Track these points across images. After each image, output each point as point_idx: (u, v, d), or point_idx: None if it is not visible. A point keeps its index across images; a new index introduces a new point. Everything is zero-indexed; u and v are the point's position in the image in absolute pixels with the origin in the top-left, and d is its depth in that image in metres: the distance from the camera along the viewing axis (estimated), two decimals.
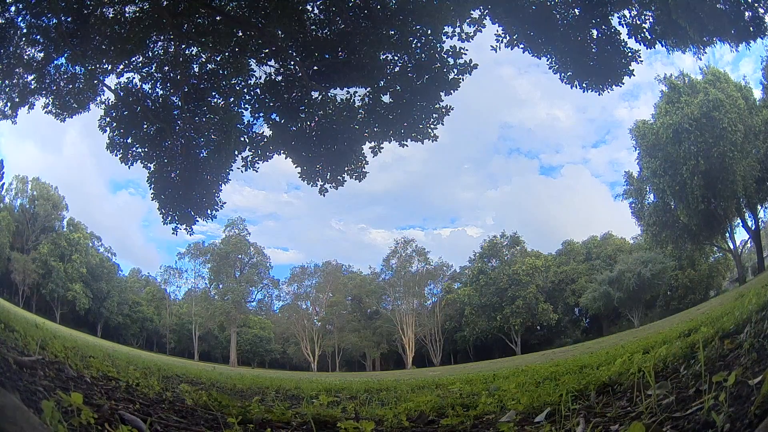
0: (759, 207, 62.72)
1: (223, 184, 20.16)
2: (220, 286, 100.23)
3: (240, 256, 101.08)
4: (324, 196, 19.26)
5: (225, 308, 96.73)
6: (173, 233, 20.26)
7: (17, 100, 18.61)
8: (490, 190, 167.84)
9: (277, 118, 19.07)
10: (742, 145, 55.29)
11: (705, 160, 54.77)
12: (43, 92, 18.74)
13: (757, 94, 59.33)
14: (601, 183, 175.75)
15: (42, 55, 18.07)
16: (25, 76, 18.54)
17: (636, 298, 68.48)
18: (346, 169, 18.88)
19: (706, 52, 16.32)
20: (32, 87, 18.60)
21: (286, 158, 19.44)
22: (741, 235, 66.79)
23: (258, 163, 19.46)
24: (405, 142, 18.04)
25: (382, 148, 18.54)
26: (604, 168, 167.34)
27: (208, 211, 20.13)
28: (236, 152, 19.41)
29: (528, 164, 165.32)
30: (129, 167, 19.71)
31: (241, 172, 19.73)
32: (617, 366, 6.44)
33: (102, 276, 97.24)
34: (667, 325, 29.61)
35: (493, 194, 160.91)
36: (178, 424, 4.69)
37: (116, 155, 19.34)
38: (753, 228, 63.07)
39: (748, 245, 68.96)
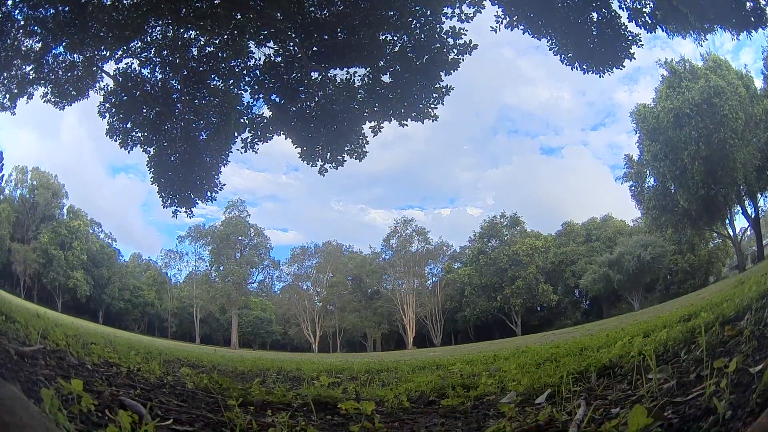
0: (759, 196, 62.73)
1: (222, 166, 20.35)
2: (221, 268, 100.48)
3: (240, 238, 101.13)
4: (324, 175, 19.37)
5: (226, 290, 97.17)
6: (173, 216, 20.52)
7: (15, 91, 18.69)
8: (490, 169, 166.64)
9: (277, 99, 19.11)
10: (742, 133, 55.12)
11: (706, 146, 54.58)
12: (42, 82, 18.74)
13: (758, 84, 58.99)
14: (602, 165, 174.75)
15: (40, 45, 18.04)
16: (24, 67, 18.53)
17: (636, 281, 68.55)
18: (346, 148, 18.95)
19: (707, 39, 16.25)
20: (30, 77, 18.62)
21: (285, 139, 19.52)
22: (741, 222, 66.81)
23: (258, 144, 19.57)
24: (405, 122, 18.10)
25: (382, 127, 18.54)
26: (604, 151, 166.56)
27: (208, 193, 20.22)
28: (236, 134, 19.50)
29: (529, 144, 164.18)
30: (129, 152, 20.13)
31: (241, 153, 20.78)
32: (617, 349, 6.40)
33: (103, 262, 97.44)
34: (666, 309, 29.68)
35: (494, 174, 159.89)
36: (178, 408, 4.70)
37: (116, 140, 19.50)
38: (753, 216, 63.21)
39: (748, 233, 69.24)
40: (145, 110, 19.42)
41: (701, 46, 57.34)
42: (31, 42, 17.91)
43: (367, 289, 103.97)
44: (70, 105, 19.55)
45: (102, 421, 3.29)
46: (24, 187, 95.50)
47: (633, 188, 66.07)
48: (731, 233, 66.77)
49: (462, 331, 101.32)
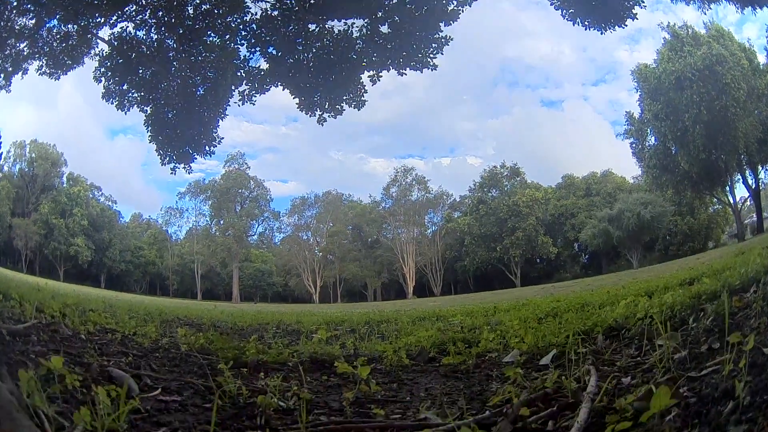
0: (760, 168, 63.10)
1: (220, 120, 20.31)
2: (221, 222, 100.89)
3: (240, 191, 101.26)
4: (323, 125, 19.64)
5: (226, 244, 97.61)
6: (172, 173, 20.81)
7: (10, 69, 18.53)
8: (490, 120, 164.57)
9: (274, 52, 19.00)
10: (744, 103, 55.26)
11: (707, 111, 54.68)
12: (36, 56, 18.62)
13: (762, 59, 58.41)
14: (603, 120, 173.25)
15: (34, 21, 17.83)
16: (18, 45, 18.34)
17: (635, 238, 68.59)
18: (344, 98, 19.04)
19: (710, 8, 15.97)
20: (25, 53, 18.49)
21: (283, 90, 19.54)
22: (741, 191, 67.06)
23: (255, 96, 19.69)
24: (404, 71, 18.15)
25: (381, 76, 18.56)
26: (605, 106, 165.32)
27: (206, 148, 20.37)
28: (233, 87, 19.45)
29: (529, 96, 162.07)
30: (126, 113, 20.15)
31: (239, 106, 20.08)
32: (621, 308, 6.25)
33: (103, 226, 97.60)
34: (666, 270, 29.60)
35: (494, 124, 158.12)
36: (170, 374, 4.58)
37: (112, 103, 19.48)
38: (753, 187, 63.49)
39: (748, 203, 69.35)
40: (141, 71, 19.38)
41: (704, 14, 56.74)
42: (24, 20, 17.74)
43: (367, 239, 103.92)
44: (66, 74, 19.47)
45: (86, 397, 3.14)
46: (23, 161, 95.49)
47: (633, 145, 65.90)
48: (731, 201, 67.17)
49: (462, 280, 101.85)
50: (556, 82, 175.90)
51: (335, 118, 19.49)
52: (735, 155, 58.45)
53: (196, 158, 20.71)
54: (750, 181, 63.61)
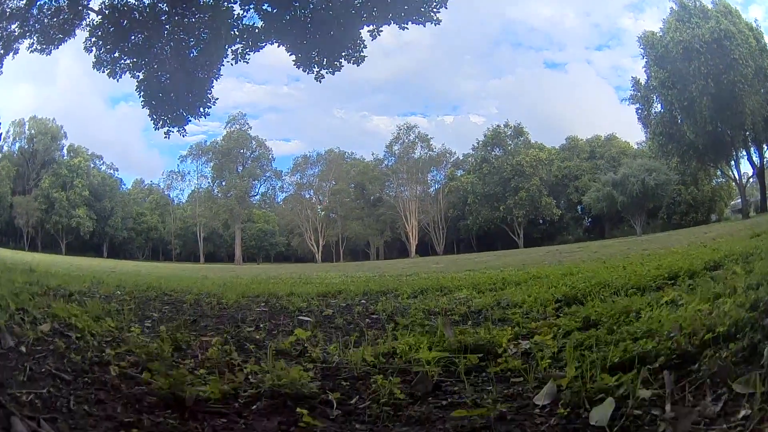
0: (765, 147, 63.16)
1: (215, 80, 20.08)
2: (223, 183, 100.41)
3: (242, 151, 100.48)
4: (320, 82, 19.05)
5: (228, 205, 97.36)
6: (165, 137, 20.35)
7: (2, 51, 18.41)
8: (493, 79, 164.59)
9: (270, 8, 18.56)
10: (752, 81, 55.32)
11: (715, 84, 54.82)
12: (27, 34, 18.38)
13: None
14: (606, 84, 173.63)
15: (24, 1, 17.69)
16: (9, 26, 18.13)
17: (639, 205, 67.58)
18: (343, 54, 18.52)
19: None
20: (16, 34, 18.31)
21: (278, 47, 19.01)
22: (746, 168, 67.54)
23: (249, 55, 19.40)
24: (405, 25, 17.50)
25: (381, 31, 17.94)
26: (608, 71, 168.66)
27: (200, 109, 20.24)
28: (227, 46, 19.10)
29: (533, 57, 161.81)
30: (117, 80, 19.60)
31: (231, 65, 19.72)
32: (667, 316, 4.70)
33: (104, 194, 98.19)
34: (673, 240, 28.77)
35: (497, 84, 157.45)
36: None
37: (103, 71, 19.24)
38: (758, 165, 63.55)
39: (751, 180, 69.62)
40: (133, 37, 19.08)
41: None
42: (15, 1, 17.61)
43: (369, 197, 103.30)
44: (57, 48, 19.20)
45: None
46: (22, 138, 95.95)
47: (639, 111, 65.42)
48: (736, 175, 67.54)
49: (464, 240, 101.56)
50: (559, 44, 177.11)
51: (333, 74, 18.96)
52: (741, 131, 59.38)
53: (190, 120, 20.52)
54: (755, 159, 63.97)
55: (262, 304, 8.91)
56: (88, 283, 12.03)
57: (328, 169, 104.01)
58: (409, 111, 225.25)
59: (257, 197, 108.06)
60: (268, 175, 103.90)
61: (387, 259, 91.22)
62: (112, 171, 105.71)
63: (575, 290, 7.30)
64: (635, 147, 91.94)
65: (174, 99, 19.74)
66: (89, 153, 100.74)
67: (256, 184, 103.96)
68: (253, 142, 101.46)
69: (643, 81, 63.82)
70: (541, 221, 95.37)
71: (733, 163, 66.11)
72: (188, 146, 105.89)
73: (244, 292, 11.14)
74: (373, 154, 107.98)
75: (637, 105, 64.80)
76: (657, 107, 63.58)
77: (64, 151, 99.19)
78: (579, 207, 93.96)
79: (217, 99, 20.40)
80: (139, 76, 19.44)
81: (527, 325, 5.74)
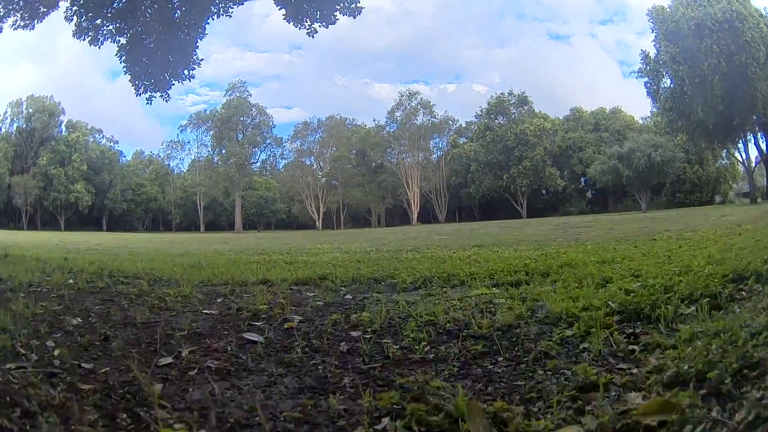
0: None
1: (199, 39, 19.36)
2: (223, 151, 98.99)
3: (242, 118, 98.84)
4: (313, 37, 18.01)
5: (228, 173, 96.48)
6: (148, 103, 19.64)
7: None
8: (496, 49, 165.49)
9: None
10: (764, 65, 54.30)
11: (727, 63, 53.69)
12: (11, 12, 17.25)
13: None
14: (610, 58, 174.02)
15: None
16: None
17: (644, 180, 65.75)
18: (337, 6, 17.14)
19: None
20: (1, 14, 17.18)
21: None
22: (753, 152, 66.87)
23: (232, 9, 18.55)
24: None
25: None
26: (613, 46, 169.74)
27: (184, 72, 19.35)
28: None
29: (537, 28, 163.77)
30: (99, 47, 18.80)
31: (213, 19, 18.99)
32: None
33: (104, 167, 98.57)
34: (679, 219, 28.21)
35: (500, 53, 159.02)
36: None
37: (84, 39, 18.45)
38: (766, 152, 63.38)
39: (759, 167, 69.49)
40: (115, 3, 18.08)
41: None
42: None
43: (371, 163, 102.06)
44: (41, 21, 17.94)
45: None
46: (20, 118, 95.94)
47: (648, 85, 63.70)
48: (743, 158, 67.01)
49: (467, 207, 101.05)
50: (563, 16, 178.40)
51: (327, 27, 17.55)
52: (752, 114, 58.21)
53: (173, 84, 19.40)
54: (762, 145, 63.72)
55: (219, 300, 6.95)
56: (55, 265, 11.83)
57: (329, 136, 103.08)
58: (412, 79, 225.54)
59: (258, 165, 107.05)
60: (268, 142, 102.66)
61: (388, 225, 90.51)
62: (112, 144, 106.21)
63: (635, 297, 5.10)
64: (640, 122, 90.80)
65: (158, 62, 18.75)
66: (89, 127, 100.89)
67: (257, 152, 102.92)
68: (254, 110, 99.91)
69: (652, 55, 61.88)
70: (543, 191, 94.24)
71: (741, 145, 65.42)
72: (188, 115, 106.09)
73: (210, 278, 9.26)
74: (374, 120, 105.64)
75: (646, 78, 62.98)
76: (666, 82, 62.17)
77: (63, 127, 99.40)
78: (582, 179, 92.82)
79: (202, 60, 19.71)
80: (120, 41, 18.56)
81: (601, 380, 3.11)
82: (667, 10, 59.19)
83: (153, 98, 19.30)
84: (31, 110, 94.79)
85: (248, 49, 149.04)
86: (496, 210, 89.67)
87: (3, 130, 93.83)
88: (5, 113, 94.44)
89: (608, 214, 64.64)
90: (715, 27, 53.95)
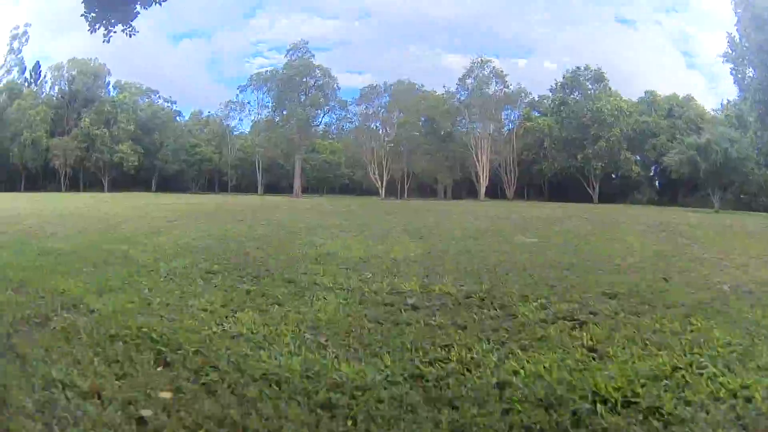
0: None
1: None
2: (284, 112, 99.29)
3: (305, 79, 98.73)
4: None
5: (288, 134, 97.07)
6: (105, 41, 15.98)
7: None
8: (566, 26, 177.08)
9: None
10: None
11: None
12: None
13: None
14: (674, 48, 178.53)
15: None
16: None
17: (717, 176, 63.93)
18: None
19: None
20: None
21: None
22: None
23: None
24: None
25: None
26: (677, 35, 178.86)
27: None
28: None
29: (606, 9, 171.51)
30: None
31: None
32: None
33: (155, 128, 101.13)
34: (758, 224, 27.15)
35: (569, 33, 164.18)
36: None
37: None
38: None
39: None
40: None
41: None
42: None
43: (439, 131, 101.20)
44: None
45: None
46: (62, 81, 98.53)
47: (734, 71, 61.58)
48: None
49: (535, 185, 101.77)
50: (630, 0, 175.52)
51: None
52: None
53: (138, 13, 16.25)
54: None
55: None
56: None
57: (397, 100, 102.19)
58: (482, 52, 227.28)
59: (321, 127, 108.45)
60: (332, 104, 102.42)
61: (455, 198, 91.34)
62: (169, 104, 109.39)
63: None
64: (710, 113, 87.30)
65: None
66: (144, 88, 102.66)
67: (320, 114, 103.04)
68: (317, 71, 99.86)
69: (737, 39, 60.07)
70: (614, 176, 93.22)
71: None
72: (248, 77, 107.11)
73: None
74: (444, 86, 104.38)
75: (732, 64, 61.28)
76: (750, 72, 59.97)
77: (110, 88, 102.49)
78: (653, 167, 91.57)
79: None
80: None
81: None
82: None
83: (112, 34, 15.96)
84: (74, 73, 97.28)
85: (316, 15, 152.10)
86: (566, 191, 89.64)
87: (44, 94, 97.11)
88: (44, 77, 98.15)
89: (679, 207, 64.12)
90: None
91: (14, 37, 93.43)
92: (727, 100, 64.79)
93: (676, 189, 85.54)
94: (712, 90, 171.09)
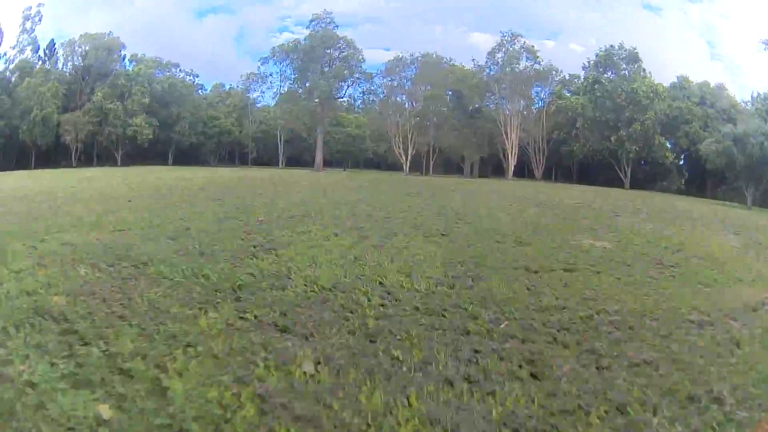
0: None
1: None
2: (307, 83, 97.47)
3: (328, 50, 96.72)
4: None
5: (310, 107, 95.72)
6: None
7: None
8: (592, 10, 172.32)
9: None
10: None
11: None
12: None
13: None
14: (699, 38, 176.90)
15: None
16: None
17: (752, 170, 60.90)
18: None
19: None
20: None
21: None
22: None
23: None
24: None
25: None
26: (703, 26, 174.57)
27: None
28: None
29: None
30: None
31: None
32: None
33: (173, 101, 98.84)
34: None
35: (596, 16, 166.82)
36: None
37: None
38: None
39: None
40: None
41: None
42: None
43: (467, 107, 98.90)
44: None
45: None
46: (75, 56, 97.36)
47: None
48: None
49: (564, 167, 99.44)
50: None
51: None
52: None
53: None
54: None
55: None
56: None
57: (423, 73, 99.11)
58: (510, 31, 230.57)
59: (345, 99, 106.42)
60: (356, 76, 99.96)
61: (482, 176, 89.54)
62: (191, 78, 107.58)
63: None
64: (742, 105, 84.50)
65: None
66: (164, 62, 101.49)
67: (344, 86, 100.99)
68: (341, 41, 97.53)
69: None
70: (643, 162, 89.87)
71: None
72: (270, 48, 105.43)
73: None
74: (473, 60, 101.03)
75: None
76: None
77: (125, 62, 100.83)
78: (684, 155, 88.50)
79: None
80: None
81: None
82: None
83: None
84: (86, 47, 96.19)
85: None
86: (596, 175, 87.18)
87: (57, 70, 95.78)
88: (55, 54, 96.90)
89: (709, 200, 62.01)
90: None
91: (27, 18, 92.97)
92: (757, 92, 61.25)
93: (705, 180, 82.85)
94: (734, 82, 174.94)
